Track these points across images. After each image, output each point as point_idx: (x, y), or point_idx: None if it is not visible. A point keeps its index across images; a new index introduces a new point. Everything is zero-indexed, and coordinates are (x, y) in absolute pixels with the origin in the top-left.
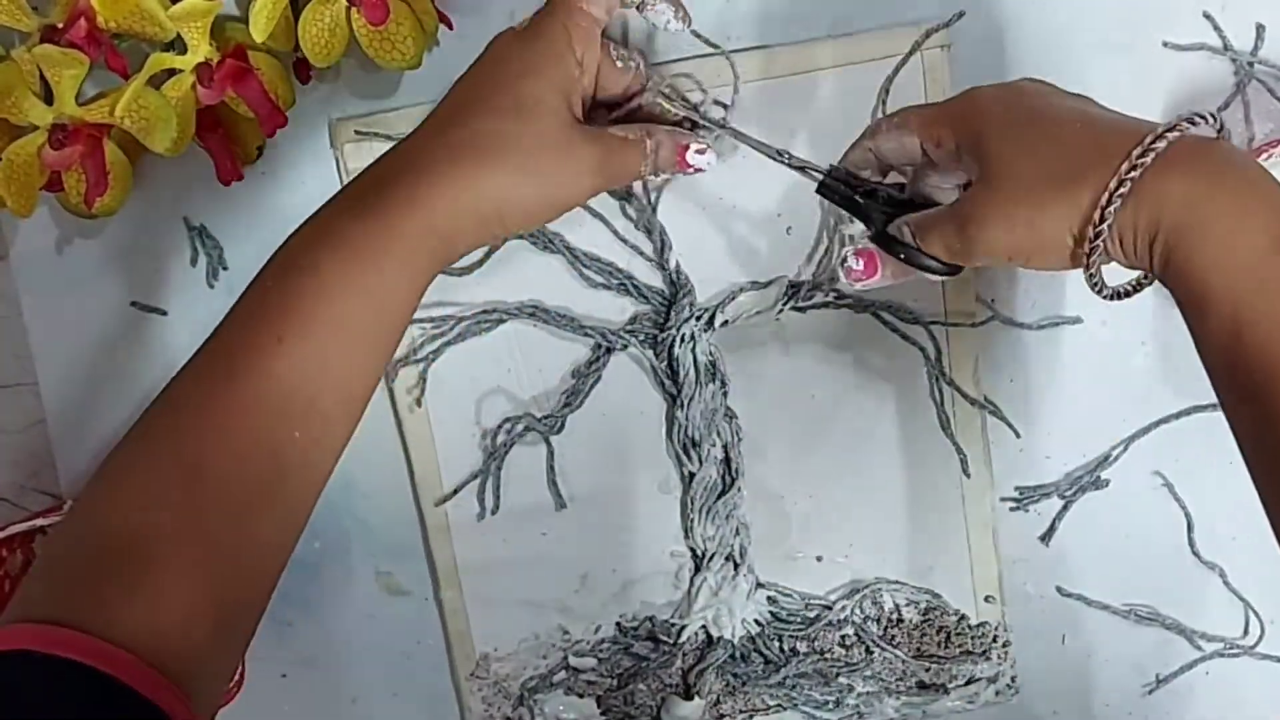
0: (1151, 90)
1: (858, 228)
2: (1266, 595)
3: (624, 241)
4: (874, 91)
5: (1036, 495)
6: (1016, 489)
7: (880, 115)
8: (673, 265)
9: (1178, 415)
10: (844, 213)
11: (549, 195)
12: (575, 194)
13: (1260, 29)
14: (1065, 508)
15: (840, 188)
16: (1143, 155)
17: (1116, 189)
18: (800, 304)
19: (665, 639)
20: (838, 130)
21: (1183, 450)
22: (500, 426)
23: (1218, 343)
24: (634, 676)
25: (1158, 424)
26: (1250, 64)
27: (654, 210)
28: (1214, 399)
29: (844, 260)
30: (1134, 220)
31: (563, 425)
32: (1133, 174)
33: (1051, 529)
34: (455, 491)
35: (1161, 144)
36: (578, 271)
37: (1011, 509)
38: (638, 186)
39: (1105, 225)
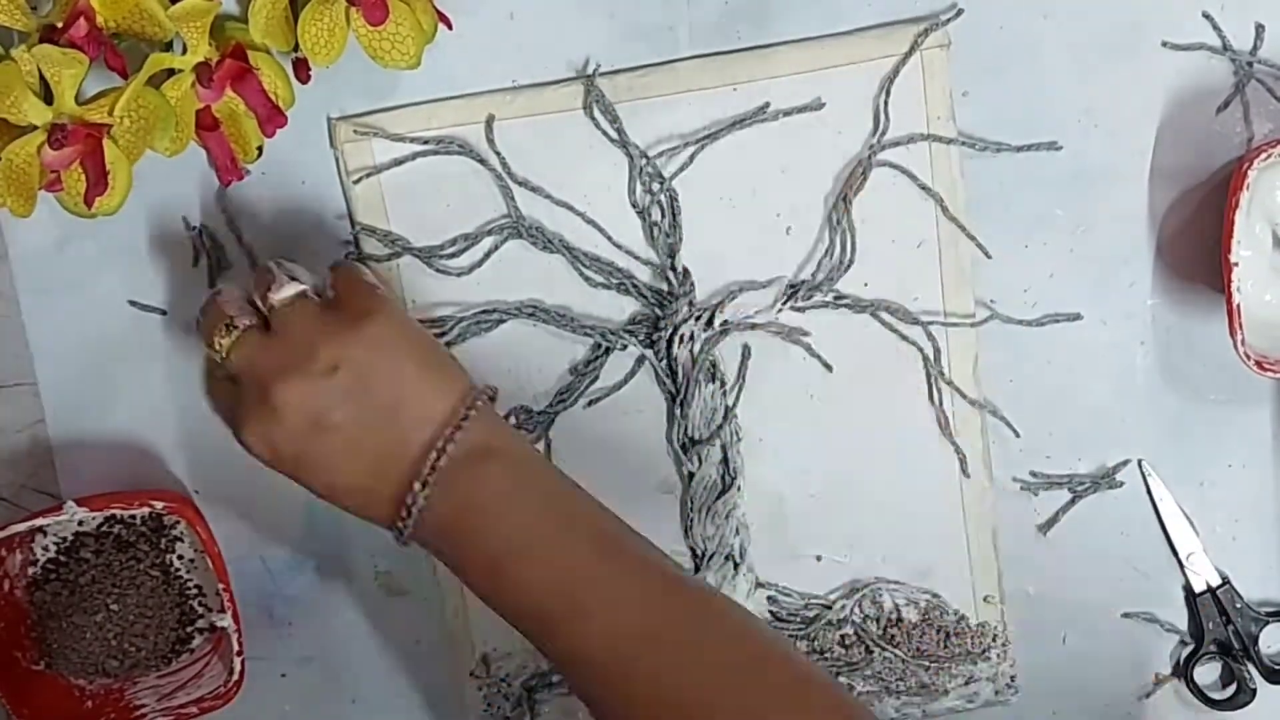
0: (1151, 90)
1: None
2: (1266, 594)
3: (618, 247)
4: (873, 92)
5: (1048, 483)
6: (1031, 473)
7: (882, 115)
8: (679, 266)
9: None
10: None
11: None
12: None
13: (1260, 29)
14: (1072, 502)
15: None
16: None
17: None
18: (800, 304)
19: None
20: (838, 131)
21: (1182, 450)
22: None
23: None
24: None
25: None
26: (1250, 64)
27: (674, 215)
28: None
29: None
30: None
31: (553, 421)
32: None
33: (1054, 520)
34: None
35: (452, 446)
36: (577, 271)
37: (1021, 489)
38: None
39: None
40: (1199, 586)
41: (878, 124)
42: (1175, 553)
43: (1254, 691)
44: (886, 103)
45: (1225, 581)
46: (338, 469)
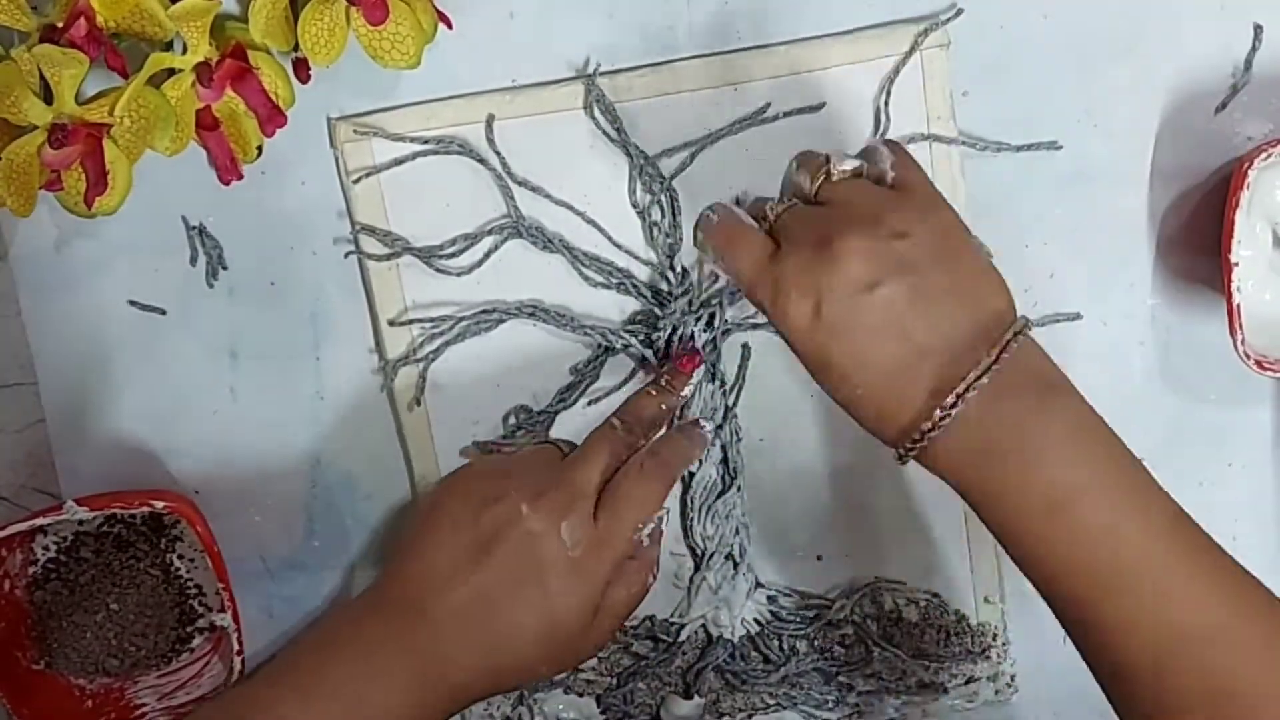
0: (1151, 90)
1: None
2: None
3: (618, 247)
4: (874, 92)
5: None
6: None
7: (883, 115)
8: (679, 265)
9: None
10: None
11: (570, 662)
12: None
13: (1259, 29)
14: None
15: None
16: (995, 362)
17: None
18: None
19: (665, 638)
20: (837, 131)
21: (1182, 450)
22: (501, 422)
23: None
24: (633, 675)
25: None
26: (1249, 64)
27: (674, 215)
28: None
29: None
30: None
31: (553, 421)
32: (980, 382)
33: None
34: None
35: (1004, 360)
36: (577, 271)
37: None
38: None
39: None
40: None
41: (878, 124)
42: None
43: None
44: (887, 103)
45: None
46: (872, 343)
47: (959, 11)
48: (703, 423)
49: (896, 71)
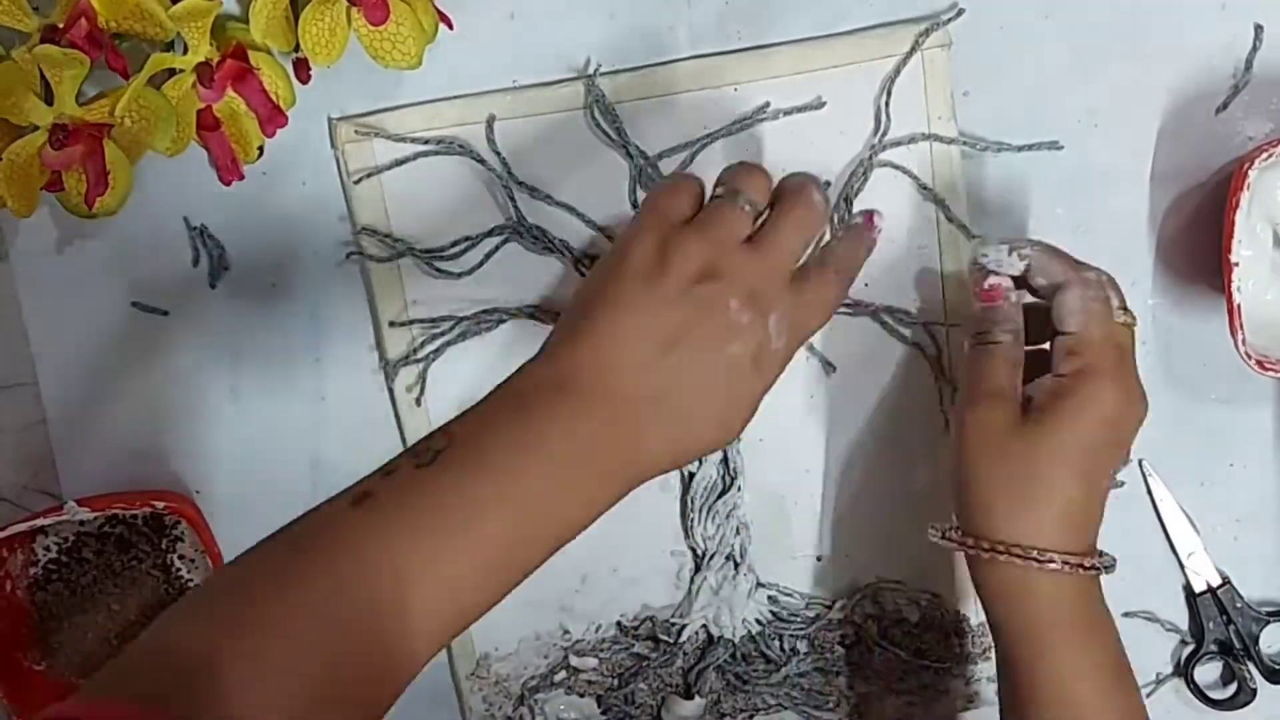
0: (1152, 90)
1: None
2: (1266, 594)
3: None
4: (874, 92)
5: None
6: None
7: (883, 115)
8: None
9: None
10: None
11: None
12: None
13: (1259, 29)
14: None
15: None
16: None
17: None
18: None
19: (666, 638)
20: (839, 131)
21: (1183, 450)
22: None
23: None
24: (634, 676)
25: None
26: (1250, 63)
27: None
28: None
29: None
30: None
31: None
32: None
33: None
34: None
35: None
36: (578, 272)
37: None
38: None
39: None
40: (1199, 586)
41: (878, 124)
42: (1175, 553)
43: (1254, 691)
44: (887, 103)
45: (1226, 581)
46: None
47: (960, 11)
48: (876, 220)
49: (897, 71)
